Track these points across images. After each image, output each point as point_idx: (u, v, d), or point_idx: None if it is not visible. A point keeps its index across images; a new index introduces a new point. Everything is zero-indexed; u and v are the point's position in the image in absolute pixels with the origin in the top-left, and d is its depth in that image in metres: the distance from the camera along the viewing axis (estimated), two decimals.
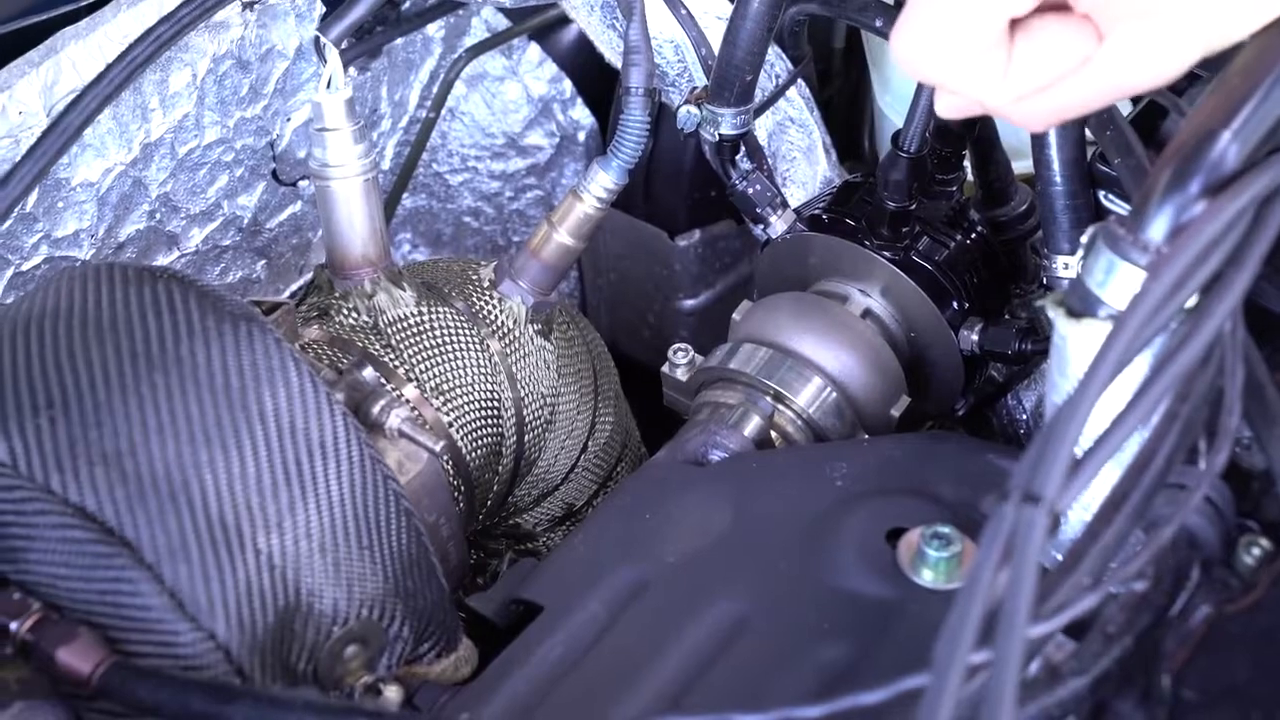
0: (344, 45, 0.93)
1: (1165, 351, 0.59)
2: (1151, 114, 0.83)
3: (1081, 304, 0.62)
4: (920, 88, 0.89)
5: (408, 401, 0.84)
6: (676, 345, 0.96)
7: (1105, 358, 0.58)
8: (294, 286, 1.19)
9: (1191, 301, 0.59)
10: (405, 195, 1.24)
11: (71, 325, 0.72)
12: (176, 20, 0.79)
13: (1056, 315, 0.63)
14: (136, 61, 0.77)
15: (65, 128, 0.72)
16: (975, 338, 0.93)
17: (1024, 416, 1.01)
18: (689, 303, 1.26)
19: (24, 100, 0.86)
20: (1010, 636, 0.51)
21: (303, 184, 1.12)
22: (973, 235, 0.96)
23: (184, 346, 0.72)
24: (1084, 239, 0.63)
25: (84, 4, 0.88)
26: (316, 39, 0.85)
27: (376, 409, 0.78)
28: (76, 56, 0.87)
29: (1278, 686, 0.61)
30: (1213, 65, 0.73)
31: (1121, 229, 0.61)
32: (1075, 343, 0.63)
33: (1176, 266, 0.58)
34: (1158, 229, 0.60)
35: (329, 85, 0.84)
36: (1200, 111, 0.62)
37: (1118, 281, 0.61)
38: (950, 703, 0.50)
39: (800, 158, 1.14)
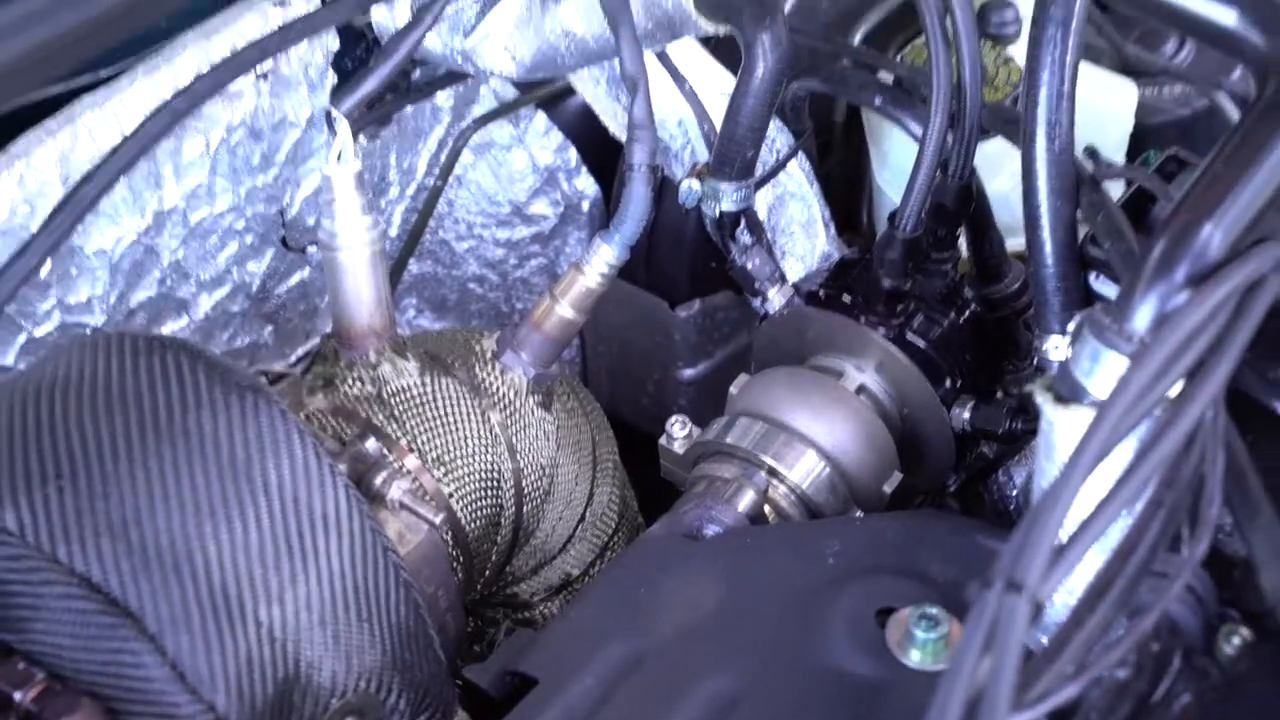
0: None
1: (1149, 439, 0.60)
2: (1141, 199, 0.85)
3: (1069, 391, 0.63)
4: (916, 167, 0.90)
5: (409, 472, 0.85)
6: (674, 418, 0.97)
7: (1088, 446, 0.59)
8: (300, 351, 1.20)
9: (1176, 388, 0.60)
10: (412, 261, 1.25)
11: (81, 394, 0.73)
12: (192, 94, 0.81)
13: (1044, 401, 0.64)
14: (151, 135, 0.78)
15: (80, 199, 0.73)
16: (967, 416, 0.95)
17: (1014, 492, 1.02)
18: (688, 372, 1.27)
19: (41, 168, 0.87)
20: None
21: (311, 250, 1.13)
22: (966, 313, 0.97)
23: (191, 417, 0.73)
24: (1071, 326, 0.65)
25: (102, 77, 0.89)
26: (328, 112, 0.86)
27: (379, 481, 0.80)
28: (93, 125, 0.89)
29: None
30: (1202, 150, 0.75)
31: (1107, 318, 0.62)
32: (1062, 429, 0.64)
33: (1158, 357, 0.59)
34: (1142, 318, 0.61)
35: (339, 158, 0.86)
36: (1186, 200, 0.64)
37: (1103, 370, 0.62)
38: None
39: (799, 231, 1.16)
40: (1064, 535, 0.58)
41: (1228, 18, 0.67)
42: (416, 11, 0.92)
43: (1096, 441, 0.59)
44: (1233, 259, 0.62)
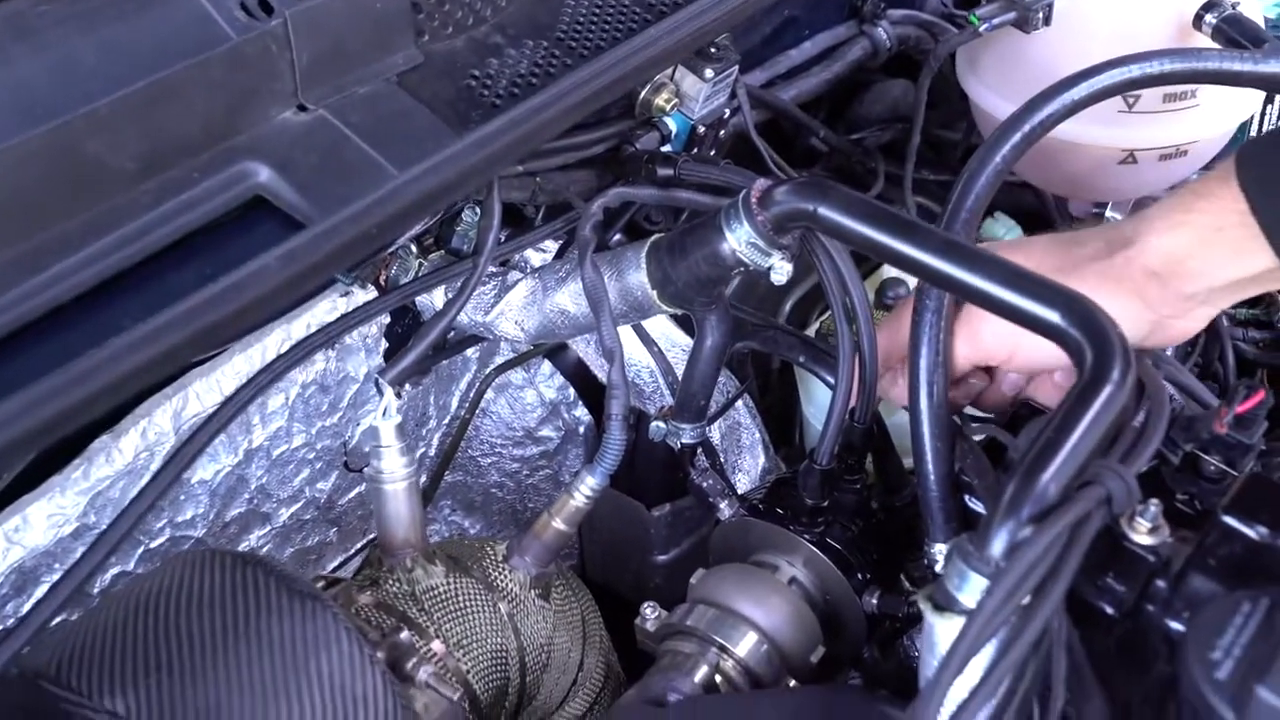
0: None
1: (1006, 642, 0.60)
2: (998, 445, 0.86)
3: (944, 601, 0.63)
4: (828, 417, 0.91)
5: (435, 655, 0.84)
6: (647, 603, 0.96)
7: (958, 650, 0.59)
8: (359, 544, 1.20)
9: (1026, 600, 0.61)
10: (447, 474, 1.26)
11: (180, 602, 0.73)
12: (274, 371, 0.83)
13: (926, 607, 0.64)
14: (243, 400, 0.80)
15: (184, 456, 0.74)
16: (875, 602, 0.94)
17: (915, 654, 1.01)
18: (662, 558, 1.26)
19: (159, 423, 0.89)
20: None
21: (367, 470, 1.14)
22: (873, 520, 0.98)
23: (263, 620, 0.73)
24: (945, 551, 0.65)
25: (209, 357, 0.91)
26: (376, 380, 0.88)
27: (410, 664, 0.79)
28: (200, 390, 0.90)
29: None
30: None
31: (970, 546, 0.62)
32: (941, 631, 0.64)
33: (1010, 579, 0.60)
34: (997, 547, 0.61)
35: (384, 414, 0.87)
36: (1028, 457, 0.65)
37: (970, 586, 0.62)
38: None
39: (745, 451, 1.17)
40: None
41: (1052, 316, 0.68)
42: (445, 305, 0.94)
43: (967, 644, 0.59)
44: (1065, 501, 0.62)
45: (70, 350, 0.63)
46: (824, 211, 0.79)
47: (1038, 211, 1.40)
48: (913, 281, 1.17)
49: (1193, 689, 0.59)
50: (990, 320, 0.83)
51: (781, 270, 0.85)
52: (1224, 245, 0.80)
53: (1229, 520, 0.66)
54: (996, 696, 0.60)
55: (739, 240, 0.83)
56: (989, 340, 0.84)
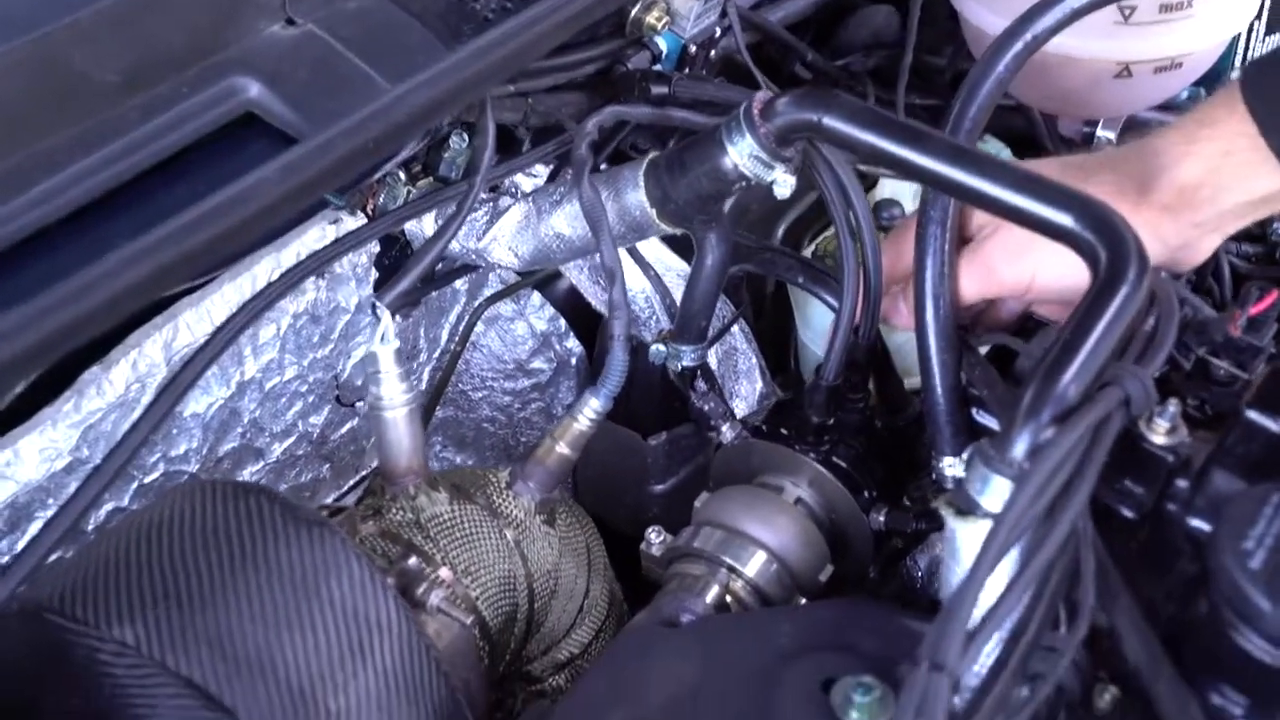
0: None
1: (1033, 544, 0.60)
2: (1005, 354, 0.85)
3: (967, 506, 0.63)
4: (835, 332, 0.90)
5: (444, 582, 0.83)
6: (651, 528, 0.95)
7: (987, 553, 0.58)
8: (352, 481, 1.18)
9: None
10: (438, 408, 1.24)
11: (183, 532, 0.72)
12: (266, 297, 0.80)
13: (948, 514, 0.64)
14: (235, 329, 0.77)
15: (180, 383, 0.72)
16: (882, 519, 0.94)
17: (919, 574, 1.01)
18: (659, 488, 1.25)
19: (150, 354, 0.87)
20: None
21: (359, 405, 1.12)
22: (877, 439, 0.97)
23: (269, 548, 0.71)
24: (965, 455, 0.64)
25: (198, 283, 0.89)
26: (373, 304, 0.86)
27: (420, 590, 0.78)
28: (190, 320, 0.88)
29: None
30: None
31: (992, 449, 0.62)
32: (963, 537, 0.63)
33: (1036, 480, 0.59)
34: (1019, 449, 0.61)
35: (382, 339, 0.85)
36: (1048, 359, 0.64)
37: (993, 489, 0.61)
38: None
39: (742, 377, 1.16)
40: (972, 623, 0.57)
41: (1065, 220, 0.67)
42: (440, 227, 0.92)
43: (995, 548, 0.58)
44: (1086, 402, 0.62)
45: (62, 269, 0.60)
46: (829, 121, 0.78)
47: (1028, 134, 1.39)
48: (908, 204, 1.17)
49: (1227, 580, 0.58)
50: (1005, 255, 0.83)
51: (785, 184, 0.83)
52: (1233, 169, 0.80)
53: (1252, 415, 0.66)
54: (1025, 600, 0.60)
55: (741, 153, 0.81)
56: (1005, 274, 0.83)
